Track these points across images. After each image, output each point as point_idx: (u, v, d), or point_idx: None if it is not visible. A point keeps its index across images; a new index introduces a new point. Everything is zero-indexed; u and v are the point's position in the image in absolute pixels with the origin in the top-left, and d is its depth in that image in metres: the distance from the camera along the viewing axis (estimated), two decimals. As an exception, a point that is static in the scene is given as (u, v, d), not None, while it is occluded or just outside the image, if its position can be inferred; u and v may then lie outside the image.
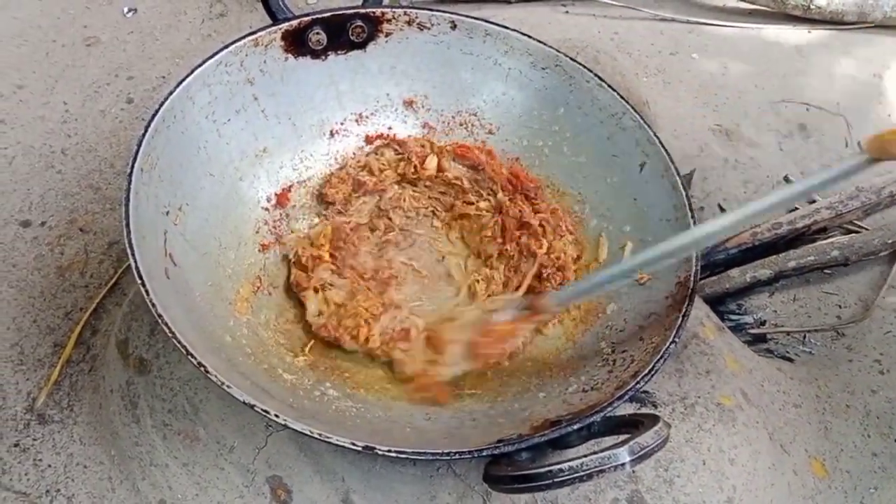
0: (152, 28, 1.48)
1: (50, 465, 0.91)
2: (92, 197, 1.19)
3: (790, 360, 1.10)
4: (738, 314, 1.17)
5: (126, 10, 1.51)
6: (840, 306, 1.17)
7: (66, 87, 1.35)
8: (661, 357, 0.75)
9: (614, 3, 1.56)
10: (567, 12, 1.56)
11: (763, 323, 1.16)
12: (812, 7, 1.56)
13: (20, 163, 1.22)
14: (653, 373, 0.73)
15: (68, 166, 1.23)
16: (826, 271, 1.21)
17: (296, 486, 0.83)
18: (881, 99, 1.45)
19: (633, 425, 0.67)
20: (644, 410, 0.84)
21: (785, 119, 1.38)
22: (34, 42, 1.42)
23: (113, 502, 0.88)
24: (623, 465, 0.62)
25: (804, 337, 1.13)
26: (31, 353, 1.01)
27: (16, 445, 0.93)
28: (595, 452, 0.62)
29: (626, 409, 0.77)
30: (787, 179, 1.29)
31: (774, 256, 1.19)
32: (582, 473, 0.62)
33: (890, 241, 1.18)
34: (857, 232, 1.24)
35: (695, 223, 0.87)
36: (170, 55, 1.43)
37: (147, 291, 0.69)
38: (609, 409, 0.70)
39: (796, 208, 1.24)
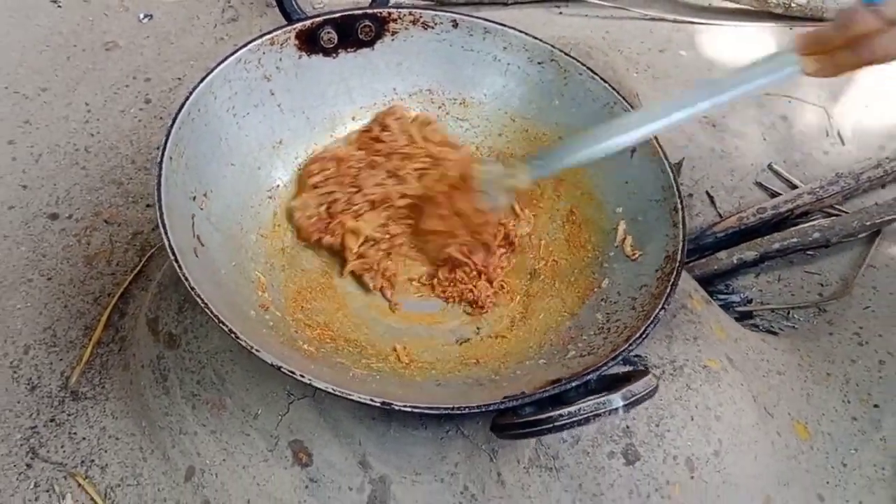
0: (167, 33, 1.54)
1: (84, 438, 0.96)
2: (115, 191, 1.25)
3: (775, 333, 1.16)
4: (726, 293, 1.23)
5: (142, 15, 1.56)
6: (822, 285, 1.22)
7: (88, 89, 1.40)
8: (651, 322, 0.81)
9: (605, 3, 1.62)
10: (561, 13, 1.63)
11: (749, 301, 1.22)
12: (793, 5, 1.61)
13: (46, 160, 1.28)
14: (644, 336, 0.80)
15: (92, 163, 1.29)
16: (808, 252, 1.26)
17: (316, 449, 0.88)
18: (859, 90, 1.51)
19: (626, 380, 0.74)
20: (636, 371, 0.90)
21: (768, 111, 1.44)
22: (56, 47, 1.47)
23: (144, 470, 0.93)
24: (617, 409, 0.68)
25: (788, 313, 1.19)
26: (63, 335, 1.07)
27: (52, 420, 0.98)
28: (591, 399, 0.69)
29: (619, 371, 0.82)
30: (770, 168, 1.35)
31: (759, 239, 1.24)
32: (580, 417, 0.69)
33: (868, 224, 1.23)
34: (837, 215, 1.29)
35: (682, 204, 0.93)
36: (184, 58, 1.48)
37: (180, 266, 0.74)
38: (604, 367, 0.76)
39: (778, 193, 1.30)
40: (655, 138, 0.97)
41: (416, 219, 0.99)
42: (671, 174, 0.95)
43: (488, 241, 0.99)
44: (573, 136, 0.87)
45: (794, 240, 1.23)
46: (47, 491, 0.93)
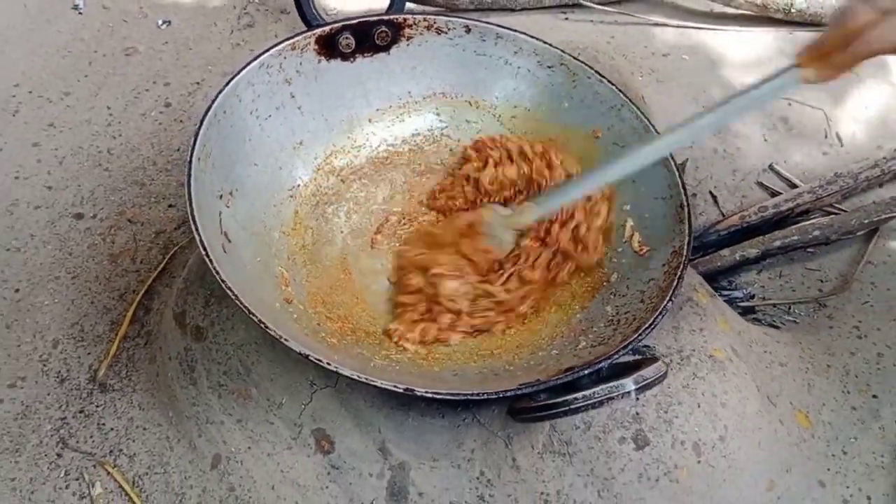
0: (186, 38, 1.57)
1: (112, 429, 1.00)
2: (138, 192, 1.28)
3: (776, 327, 1.19)
4: (729, 289, 1.26)
5: (161, 22, 1.60)
6: (822, 281, 1.26)
7: (109, 94, 1.44)
8: (659, 313, 0.85)
9: (610, 10, 1.66)
10: (567, 19, 1.67)
11: (752, 297, 1.25)
12: (793, 10, 1.64)
13: (70, 162, 1.32)
14: (653, 326, 0.83)
15: (114, 164, 1.32)
16: (809, 250, 1.29)
17: (338, 437, 0.91)
18: (857, 92, 1.55)
19: (637, 367, 0.77)
20: (646, 360, 0.93)
21: (768, 113, 1.47)
22: (77, 53, 1.51)
23: (171, 458, 0.96)
24: (629, 393, 0.72)
25: (789, 308, 1.23)
26: (90, 330, 1.10)
27: (81, 412, 1.02)
28: (604, 384, 0.73)
29: (630, 360, 0.86)
30: (771, 168, 1.39)
31: (761, 237, 1.27)
32: (595, 401, 0.72)
33: (866, 222, 1.26)
34: (836, 214, 1.32)
35: (688, 201, 0.97)
36: (203, 63, 1.52)
37: (211, 261, 0.78)
38: (616, 356, 0.80)
39: (779, 193, 1.34)
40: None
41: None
42: (677, 173, 0.99)
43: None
44: (576, 178, 0.97)
45: (795, 237, 1.26)
46: (77, 479, 0.96)
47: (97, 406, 1.03)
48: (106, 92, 1.44)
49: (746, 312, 1.23)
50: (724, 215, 1.32)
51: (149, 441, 0.99)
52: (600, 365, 0.79)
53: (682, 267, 0.90)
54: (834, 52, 0.73)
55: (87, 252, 1.20)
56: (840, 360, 1.11)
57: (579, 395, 0.72)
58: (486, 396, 0.78)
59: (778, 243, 1.26)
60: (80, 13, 1.59)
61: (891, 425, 1.05)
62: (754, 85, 0.80)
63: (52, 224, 1.23)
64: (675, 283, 0.88)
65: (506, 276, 0.99)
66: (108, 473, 0.96)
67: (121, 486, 0.95)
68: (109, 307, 1.13)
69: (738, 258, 1.26)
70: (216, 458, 0.95)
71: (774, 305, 1.23)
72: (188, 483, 0.95)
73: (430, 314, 0.97)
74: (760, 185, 1.37)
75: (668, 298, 0.86)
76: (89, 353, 1.08)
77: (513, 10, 1.64)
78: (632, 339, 0.82)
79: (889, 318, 1.15)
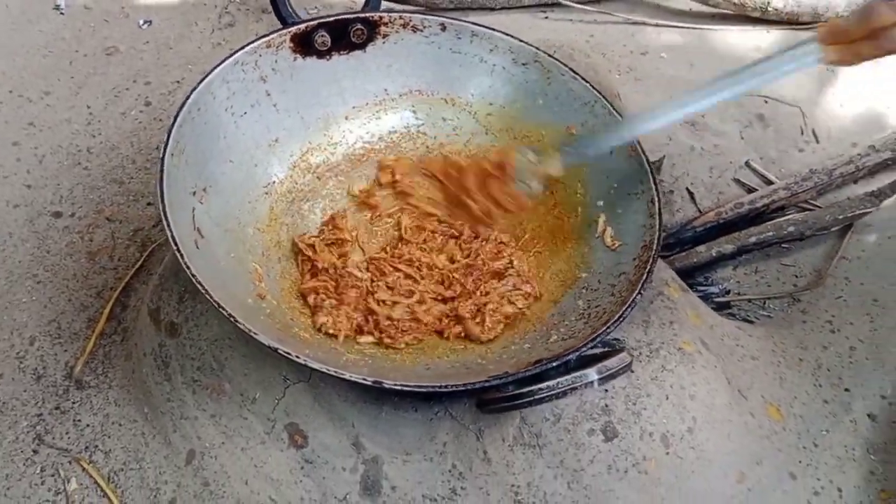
0: (166, 38, 1.58)
1: (88, 425, 1.00)
2: (116, 190, 1.29)
3: (751, 322, 1.20)
4: (705, 285, 1.27)
5: (142, 21, 1.60)
6: (796, 276, 1.27)
7: (90, 93, 1.44)
8: (628, 306, 0.85)
9: (589, 9, 1.67)
10: (546, 18, 1.68)
11: (728, 292, 1.26)
12: (770, 9, 1.66)
13: (50, 161, 1.32)
14: (621, 319, 0.84)
15: (94, 163, 1.33)
16: (784, 245, 1.30)
17: (311, 432, 0.92)
18: (833, 91, 1.56)
19: (603, 358, 0.78)
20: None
21: (746, 110, 1.48)
22: (58, 52, 1.52)
23: (147, 454, 0.97)
24: (592, 383, 0.73)
25: (764, 303, 1.24)
26: (67, 327, 1.11)
27: (57, 408, 1.02)
28: (569, 374, 0.74)
29: (598, 352, 0.86)
30: (748, 165, 1.40)
31: (737, 233, 1.28)
32: (558, 391, 0.73)
33: (840, 217, 1.27)
34: (811, 210, 1.33)
35: (658, 197, 0.98)
36: (183, 62, 1.52)
37: (182, 256, 0.79)
38: (584, 348, 0.80)
39: (755, 189, 1.35)
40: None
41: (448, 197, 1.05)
42: (648, 169, 1.00)
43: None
44: (603, 128, 0.96)
45: (770, 233, 1.27)
46: (53, 475, 0.96)
47: (73, 403, 1.03)
48: (86, 91, 1.45)
49: (722, 308, 1.23)
50: (700, 212, 1.33)
51: (124, 437, 0.99)
52: (568, 357, 0.80)
53: (651, 261, 0.91)
54: (857, 42, 0.74)
55: (66, 250, 1.20)
56: (812, 353, 1.11)
57: (544, 385, 0.73)
58: (453, 388, 0.78)
59: (753, 239, 1.27)
60: (61, 13, 1.60)
61: (862, 419, 1.06)
62: (776, 55, 0.81)
63: (30, 222, 1.23)
64: (644, 277, 0.89)
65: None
66: (84, 469, 0.97)
67: (96, 482, 0.96)
68: (87, 304, 1.14)
69: (714, 254, 1.27)
70: (191, 454, 0.95)
71: (749, 301, 1.24)
72: (163, 478, 0.95)
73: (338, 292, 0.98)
74: (737, 181, 1.38)
75: (636, 292, 0.87)
76: (66, 351, 1.08)
77: (492, 10, 1.65)
78: (600, 331, 0.83)
79: (862, 312, 1.16)
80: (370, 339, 0.96)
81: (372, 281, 1.00)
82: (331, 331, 0.95)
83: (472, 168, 1.03)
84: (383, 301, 0.98)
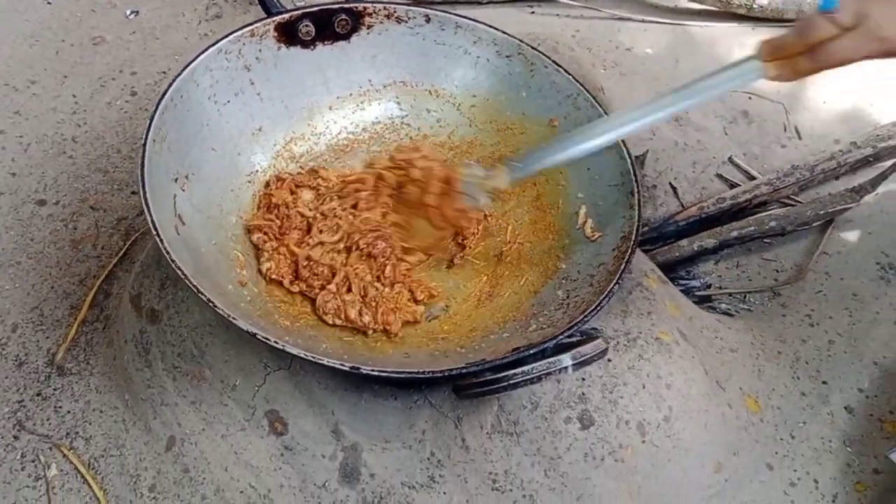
0: (153, 28, 1.58)
1: (69, 412, 1.00)
2: (101, 179, 1.29)
3: (731, 315, 1.21)
4: (687, 279, 1.28)
5: (129, 12, 1.61)
6: (777, 271, 1.28)
7: (76, 82, 1.44)
8: (605, 295, 0.86)
9: (576, 3, 1.68)
10: (533, 12, 1.68)
11: (709, 286, 1.27)
12: (755, 6, 1.67)
13: (35, 149, 1.32)
14: (598, 308, 0.85)
15: (79, 152, 1.33)
16: (765, 240, 1.31)
17: (291, 419, 0.92)
18: (815, 88, 1.58)
19: (579, 345, 0.79)
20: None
21: (729, 106, 1.49)
22: (45, 42, 1.51)
23: (127, 441, 0.97)
24: (566, 368, 0.74)
25: (745, 297, 1.25)
26: (49, 315, 1.11)
27: (38, 395, 1.02)
28: (544, 360, 0.75)
29: (573, 340, 0.87)
30: (731, 160, 1.41)
31: (719, 227, 1.29)
32: (533, 376, 0.74)
33: (821, 213, 1.28)
34: (792, 205, 1.34)
35: (638, 188, 0.99)
36: (169, 53, 1.52)
37: (161, 241, 0.79)
38: (561, 336, 0.81)
39: (738, 185, 1.36)
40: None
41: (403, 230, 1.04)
42: (629, 161, 1.00)
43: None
44: (548, 142, 0.96)
45: (752, 228, 1.28)
46: (33, 461, 0.97)
47: (54, 389, 1.03)
48: (72, 80, 1.45)
49: (703, 301, 1.24)
50: (683, 206, 1.34)
51: (105, 423, 1.00)
52: (545, 345, 0.80)
53: (630, 251, 0.92)
54: (797, 57, 0.75)
55: (49, 238, 1.20)
56: (791, 347, 1.12)
57: (518, 370, 0.74)
58: (430, 375, 0.79)
59: (735, 234, 1.28)
60: (48, 3, 1.60)
61: (839, 411, 1.07)
62: (718, 71, 0.82)
63: (14, 210, 1.23)
64: (622, 267, 0.90)
65: None
66: (65, 456, 0.97)
67: (76, 469, 0.96)
68: (69, 292, 1.14)
69: (696, 248, 1.28)
70: (171, 440, 0.95)
71: (730, 294, 1.25)
72: (143, 465, 0.96)
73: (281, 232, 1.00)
74: (720, 177, 1.39)
75: (614, 281, 0.88)
76: (48, 338, 1.09)
77: (480, 3, 1.66)
78: (577, 320, 0.84)
79: (841, 306, 1.17)
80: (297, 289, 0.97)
81: (311, 221, 1.02)
82: (274, 276, 0.96)
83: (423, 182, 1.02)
84: (307, 242, 0.99)
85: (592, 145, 0.90)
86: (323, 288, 0.96)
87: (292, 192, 1.03)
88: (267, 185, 1.05)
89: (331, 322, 0.95)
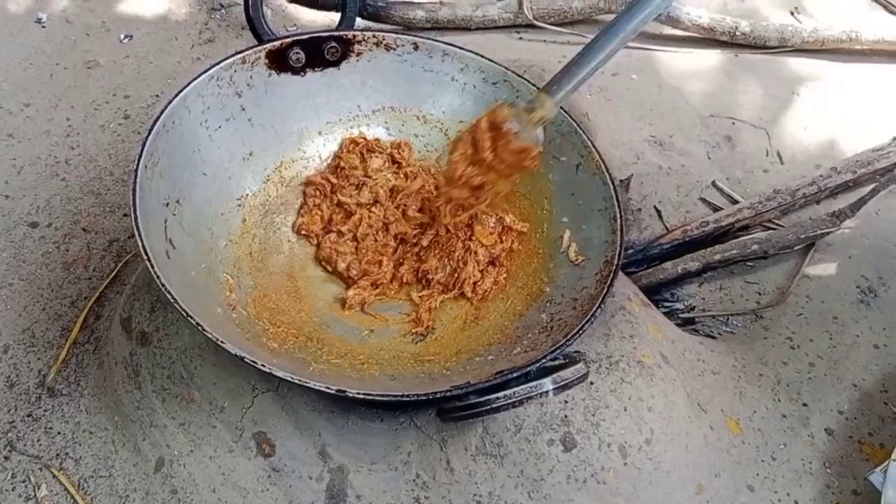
0: (147, 52, 1.60)
1: (59, 433, 1.01)
2: (93, 201, 1.30)
3: (714, 337, 1.23)
4: (671, 301, 1.30)
5: (123, 36, 1.62)
6: (760, 293, 1.29)
7: (69, 105, 1.46)
8: (588, 319, 0.88)
9: (562, 31, 1.70)
10: (521, 39, 1.71)
11: (692, 308, 1.29)
12: (738, 34, 1.70)
13: (28, 172, 1.33)
14: (581, 332, 0.87)
15: (72, 174, 1.34)
16: (748, 263, 1.33)
17: (279, 440, 0.93)
18: (798, 114, 1.60)
19: (561, 369, 0.81)
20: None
21: (713, 131, 1.52)
22: (39, 65, 1.53)
23: (116, 462, 0.98)
24: (547, 392, 0.76)
25: (727, 319, 1.26)
26: (41, 336, 1.12)
27: (29, 416, 1.03)
28: (525, 384, 0.76)
29: (556, 363, 0.89)
30: (714, 185, 1.43)
31: (702, 250, 1.31)
32: (514, 400, 0.76)
33: (803, 237, 1.30)
34: (774, 229, 1.36)
35: (620, 214, 1.01)
36: (163, 76, 1.54)
37: (152, 266, 0.80)
38: (544, 360, 0.83)
39: (721, 208, 1.39)
40: (599, 156, 1.05)
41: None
42: (612, 186, 1.03)
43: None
44: (570, 60, 0.93)
45: (735, 251, 1.30)
46: (23, 482, 0.97)
47: (45, 410, 1.04)
48: (66, 104, 1.46)
49: (687, 323, 1.26)
50: (667, 229, 1.35)
51: (95, 445, 1.00)
52: (528, 368, 0.82)
53: (612, 275, 0.94)
54: None
55: (41, 260, 1.22)
56: (772, 369, 1.14)
57: (501, 394, 0.75)
58: (416, 398, 0.80)
59: (718, 257, 1.30)
60: (43, 27, 1.61)
61: (820, 433, 1.08)
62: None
63: (7, 232, 1.24)
64: (604, 291, 0.92)
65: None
66: (55, 476, 0.98)
67: (66, 489, 0.96)
68: (61, 313, 1.15)
69: (680, 271, 1.29)
70: (160, 462, 0.96)
71: (713, 317, 1.27)
72: (132, 486, 0.96)
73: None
74: (703, 200, 1.41)
75: (597, 305, 0.90)
76: (39, 359, 1.09)
77: (468, 30, 1.69)
78: (560, 343, 0.85)
79: (822, 329, 1.19)
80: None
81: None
82: (303, 231, 1.06)
83: (470, 142, 0.99)
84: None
85: (611, 49, 0.90)
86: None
87: (362, 159, 1.10)
88: (340, 147, 1.13)
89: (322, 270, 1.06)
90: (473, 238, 1.07)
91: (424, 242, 1.07)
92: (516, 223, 1.10)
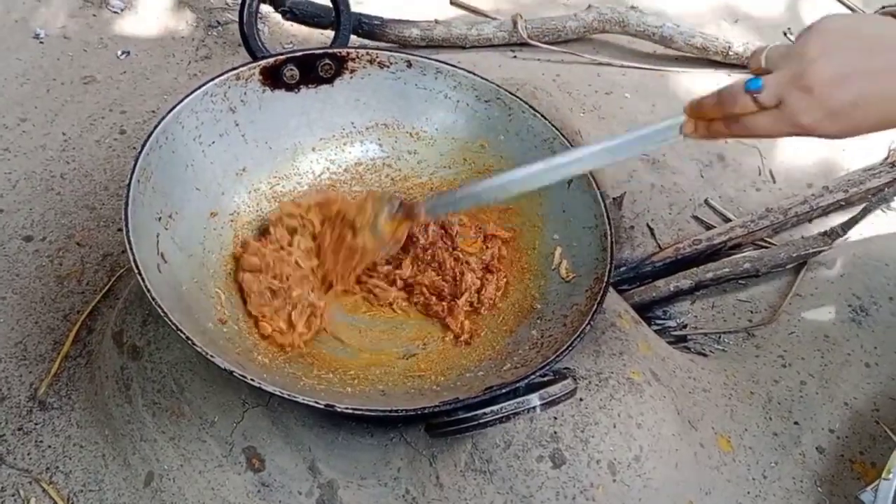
0: (143, 68, 1.61)
1: (50, 446, 1.01)
2: (88, 216, 1.31)
3: (705, 355, 1.23)
4: (664, 319, 1.30)
5: (120, 52, 1.63)
6: (752, 311, 1.30)
7: (65, 120, 1.46)
8: (577, 335, 0.88)
9: (556, 49, 1.72)
10: (515, 57, 1.72)
11: (684, 326, 1.29)
12: (731, 53, 1.72)
13: (23, 186, 1.34)
14: (570, 348, 0.87)
15: (66, 189, 1.35)
16: (740, 281, 1.34)
17: (268, 455, 0.93)
18: (792, 134, 1.62)
19: (550, 385, 0.81)
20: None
21: (706, 150, 1.53)
22: (36, 80, 1.54)
23: (106, 476, 0.97)
24: (534, 408, 0.76)
25: (719, 337, 1.27)
26: (33, 349, 1.12)
27: (19, 429, 1.03)
28: (513, 399, 0.76)
29: (545, 379, 0.89)
30: (707, 203, 1.44)
31: (695, 269, 1.32)
32: (502, 415, 0.76)
33: (795, 255, 1.31)
34: (766, 247, 1.37)
35: (611, 231, 1.01)
36: (159, 92, 1.55)
37: (143, 279, 0.80)
38: (533, 376, 0.83)
39: (713, 226, 1.39)
40: (591, 173, 1.05)
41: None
42: (602, 204, 1.03)
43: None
44: (463, 185, 0.97)
45: (727, 269, 1.31)
46: (13, 495, 0.97)
47: (36, 424, 1.04)
48: (62, 118, 1.47)
49: (679, 341, 1.26)
50: (660, 247, 1.36)
51: (85, 458, 1.00)
52: (517, 384, 0.82)
53: (602, 292, 0.94)
54: (715, 121, 0.76)
55: (35, 273, 1.22)
56: (764, 387, 1.14)
57: (488, 409, 0.75)
58: (404, 413, 0.81)
59: (711, 275, 1.30)
60: (40, 42, 1.62)
61: (811, 452, 1.08)
62: (642, 126, 0.82)
63: (1, 245, 1.25)
64: (594, 308, 0.92)
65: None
66: (44, 490, 0.97)
67: (56, 503, 0.96)
68: (53, 327, 1.15)
69: (672, 289, 1.30)
70: (149, 476, 0.96)
71: (705, 335, 1.27)
72: (122, 500, 0.96)
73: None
74: (696, 218, 1.42)
75: (587, 321, 0.90)
76: (31, 372, 1.09)
77: (463, 48, 1.70)
78: (549, 359, 0.86)
79: (813, 348, 1.20)
80: None
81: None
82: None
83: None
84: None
85: (503, 193, 0.91)
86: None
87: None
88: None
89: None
90: (458, 248, 1.08)
91: (406, 273, 1.07)
92: (498, 230, 1.11)
